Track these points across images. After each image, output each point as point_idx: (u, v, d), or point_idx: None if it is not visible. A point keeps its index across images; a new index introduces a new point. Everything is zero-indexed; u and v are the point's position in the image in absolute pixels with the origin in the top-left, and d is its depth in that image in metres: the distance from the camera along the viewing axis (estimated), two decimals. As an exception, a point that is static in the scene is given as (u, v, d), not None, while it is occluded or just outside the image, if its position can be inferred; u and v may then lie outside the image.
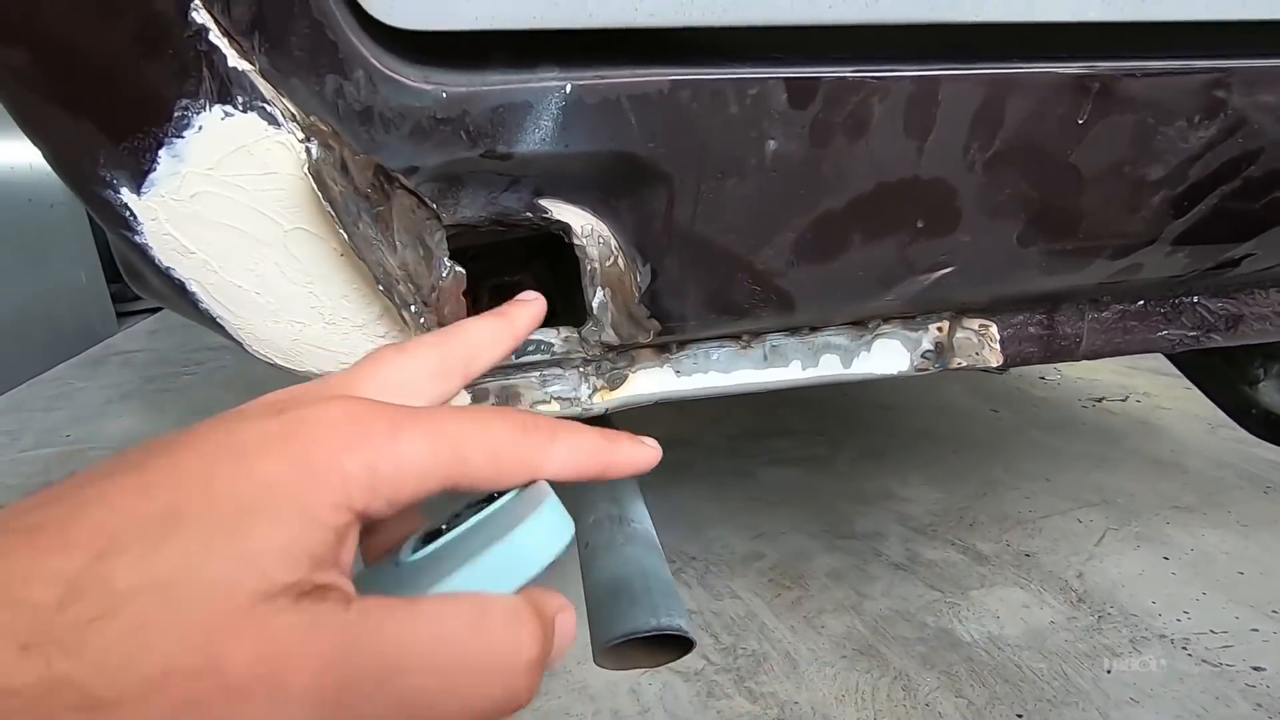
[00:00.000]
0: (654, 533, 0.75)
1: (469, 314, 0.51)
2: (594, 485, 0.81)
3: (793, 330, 0.60)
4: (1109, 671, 1.34)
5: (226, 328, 0.45)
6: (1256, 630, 1.42)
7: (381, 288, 0.42)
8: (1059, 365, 3.03)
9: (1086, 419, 2.50)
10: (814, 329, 0.61)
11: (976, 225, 0.52)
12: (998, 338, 0.64)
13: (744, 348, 0.60)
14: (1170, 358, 1.76)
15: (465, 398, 0.55)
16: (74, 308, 3.67)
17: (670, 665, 1.39)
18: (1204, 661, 1.35)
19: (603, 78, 0.43)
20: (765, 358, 0.61)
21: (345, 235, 0.40)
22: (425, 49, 0.41)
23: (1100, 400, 2.65)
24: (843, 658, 1.39)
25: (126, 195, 0.40)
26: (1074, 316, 0.65)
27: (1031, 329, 0.65)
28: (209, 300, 0.44)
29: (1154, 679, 1.32)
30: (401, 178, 0.41)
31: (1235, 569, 1.63)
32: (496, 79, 0.42)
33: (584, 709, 1.29)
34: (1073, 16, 0.46)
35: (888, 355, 0.63)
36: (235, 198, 0.41)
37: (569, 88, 0.42)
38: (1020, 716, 1.25)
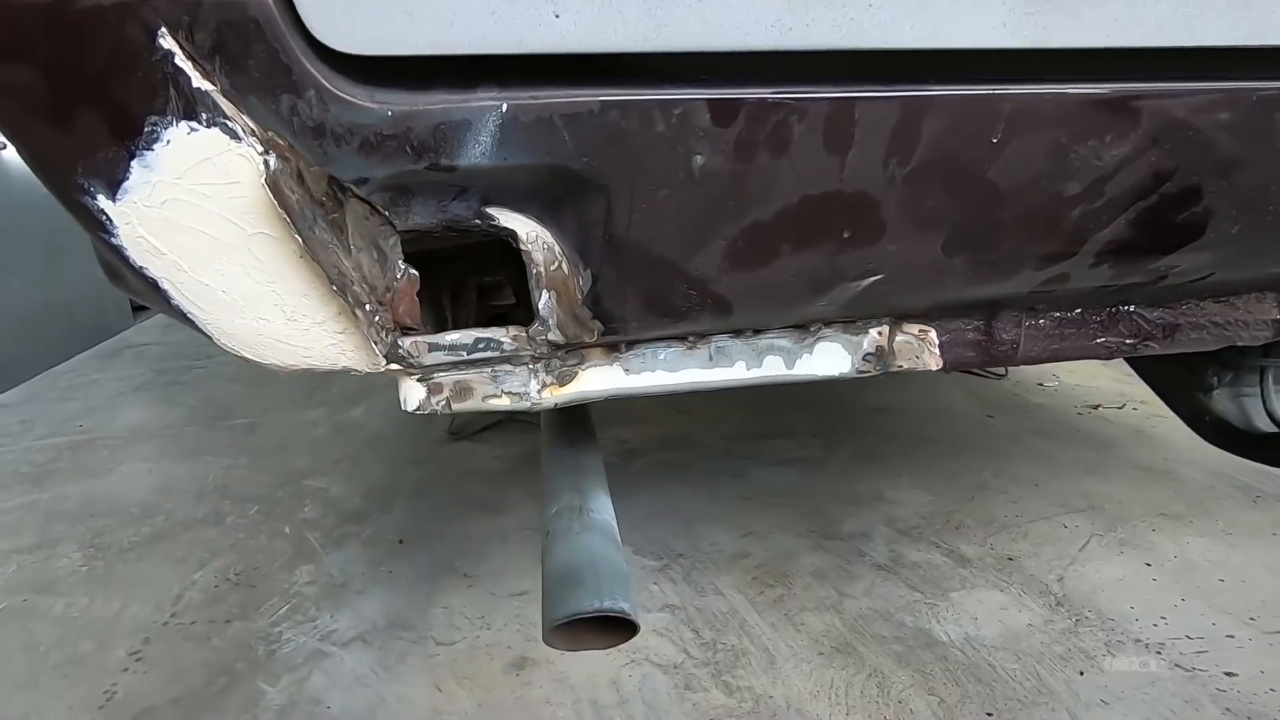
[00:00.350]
0: (613, 523, 0.78)
1: (422, 313, 0.55)
2: (561, 477, 0.85)
3: (736, 332, 0.64)
4: (1081, 674, 1.36)
5: (197, 322, 0.49)
6: (1232, 637, 1.44)
7: (335, 288, 0.46)
8: (1057, 372, 3.03)
9: (1081, 425, 2.51)
10: (757, 331, 0.64)
11: (901, 236, 0.55)
12: (937, 342, 0.67)
13: (690, 348, 0.64)
14: (1130, 363, 1.77)
15: (421, 391, 0.58)
16: (91, 302, 3.76)
17: (650, 658, 1.42)
18: (1177, 666, 1.36)
19: (536, 98, 0.46)
20: (711, 358, 0.64)
21: (300, 239, 0.44)
22: (372, 71, 0.45)
23: (1096, 407, 2.66)
24: (820, 654, 1.41)
25: (103, 201, 0.44)
26: (1011, 323, 0.68)
27: (970, 334, 0.68)
28: (179, 297, 0.48)
29: (1125, 682, 1.33)
30: (353, 187, 0.45)
31: (1217, 576, 1.64)
32: (438, 99, 0.46)
33: (564, 698, 1.32)
34: (980, 43, 0.49)
35: (829, 357, 0.66)
36: (202, 204, 0.45)
37: (505, 107, 0.46)
38: (990, 715, 1.27)
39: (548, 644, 0.64)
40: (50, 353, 3.46)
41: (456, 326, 0.74)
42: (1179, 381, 1.29)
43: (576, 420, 0.99)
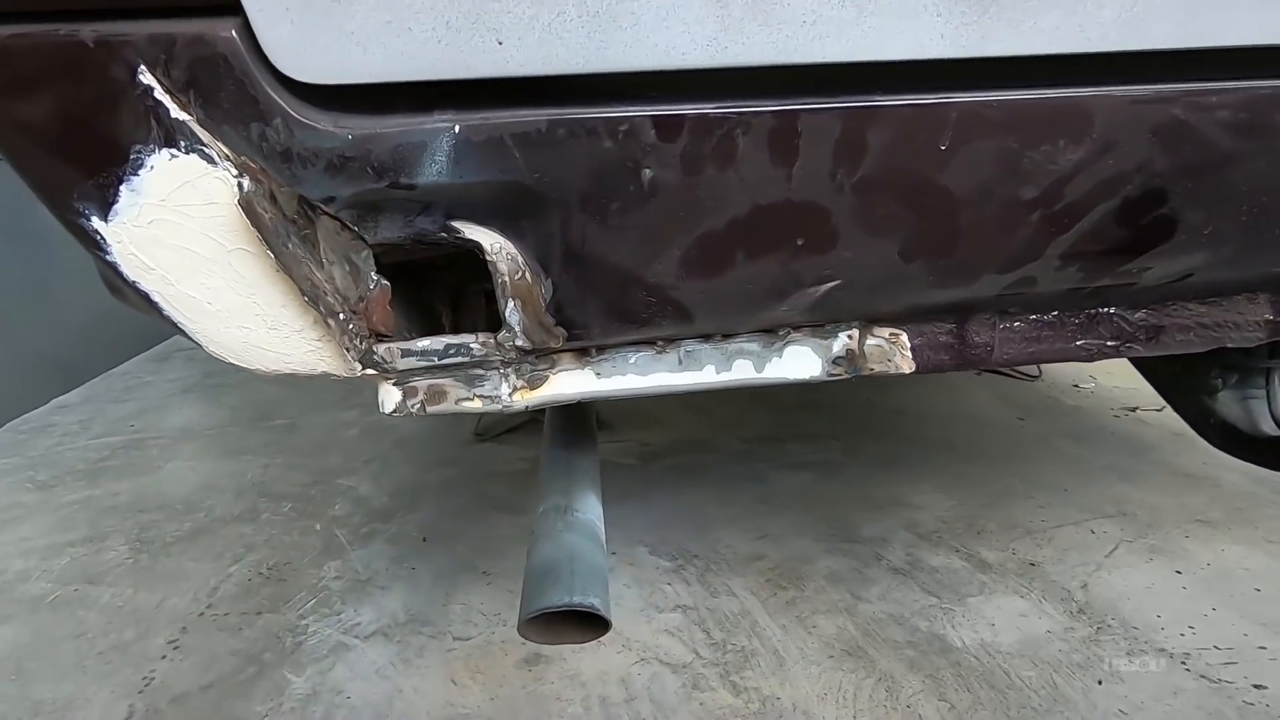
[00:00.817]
0: (597, 523, 0.81)
1: (405, 319, 0.58)
2: (553, 480, 0.88)
3: (704, 337, 0.65)
4: (1100, 683, 1.32)
5: (187, 332, 0.54)
6: (1264, 648, 1.38)
7: (308, 299, 0.49)
8: (1094, 373, 2.94)
9: (1117, 429, 2.43)
10: (726, 336, 0.65)
11: (855, 242, 0.56)
12: (909, 345, 0.68)
13: (659, 353, 0.65)
14: (1133, 364, 1.70)
15: (397, 394, 0.62)
16: (146, 308, 3.94)
17: (660, 657, 1.44)
18: (1203, 677, 1.32)
19: (487, 119, 0.49)
20: (680, 362, 0.66)
21: (274, 254, 0.47)
22: (333, 98, 0.49)
23: (1134, 410, 2.57)
24: (830, 657, 1.41)
25: (97, 222, 0.49)
26: (984, 326, 0.68)
27: (942, 337, 0.68)
28: (169, 309, 0.52)
29: (1146, 692, 1.30)
30: (322, 205, 0.49)
31: (1253, 585, 1.57)
32: (395, 123, 0.49)
33: (574, 694, 1.35)
34: (917, 55, 0.49)
35: (799, 361, 0.67)
36: (184, 224, 0.49)
37: (458, 128, 0.49)
38: (1000, 723, 1.25)
39: (522, 635, 0.67)
40: (110, 355, 3.64)
41: (459, 331, 0.77)
42: (1183, 383, 1.25)
43: (577, 423, 1.02)
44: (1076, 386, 2.84)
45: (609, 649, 1.46)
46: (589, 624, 0.69)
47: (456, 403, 0.62)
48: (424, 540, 1.92)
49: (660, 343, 0.65)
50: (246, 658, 1.51)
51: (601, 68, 0.47)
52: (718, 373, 0.67)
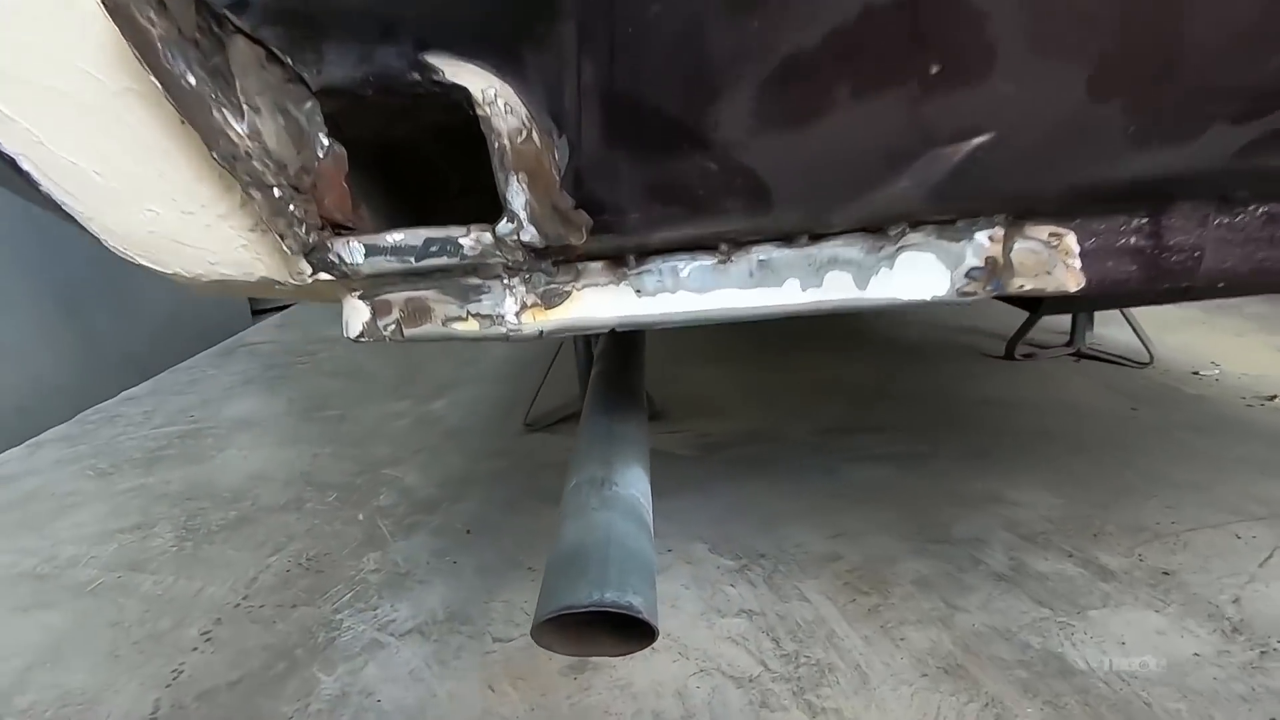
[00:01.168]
0: (642, 498, 0.63)
1: (360, 211, 0.43)
2: (590, 448, 0.71)
3: (785, 238, 0.47)
4: (1274, 721, 1.07)
5: (77, 218, 0.40)
6: None
7: (218, 158, 0.34)
8: (1217, 359, 2.59)
9: (1253, 419, 2.11)
10: (815, 237, 0.47)
11: (1021, 67, 0.37)
12: (1076, 251, 0.47)
13: (723, 261, 0.47)
14: None
15: (365, 311, 0.46)
16: (215, 305, 4.04)
17: (723, 668, 1.26)
18: None
19: None
20: (751, 274, 0.48)
21: (164, 89, 0.32)
22: None
23: (1272, 398, 2.23)
24: (923, 676, 1.20)
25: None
26: (1191, 220, 0.46)
27: (1128, 239, 0.47)
28: (46, 181, 0.38)
29: (1336, 735, 1.04)
30: (231, 15, 0.34)
31: None
32: None
33: (624, 708, 1.19)
34: None
35: (918, 274, 0.48)
36: (47, 52, 0.35)
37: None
38: (1147, 766, 1.02)
39: (537, 642, 0.50)
40: (180, 351, 3.74)
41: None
42: None
43: (622, 384, 0.84)
44: (1197, 374, 2.50)
45: (663, 656, 1.29)
46: (628, 630, 0.51)
47: (445, 323, 0.46)
48: (468, 532, 1.81)
49: (724, 246, 0.47)
50: (277, 653, 1.43)
51: None
52: (804, 290, 0.49)
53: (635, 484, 0.65)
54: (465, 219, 0.72)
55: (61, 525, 2.07)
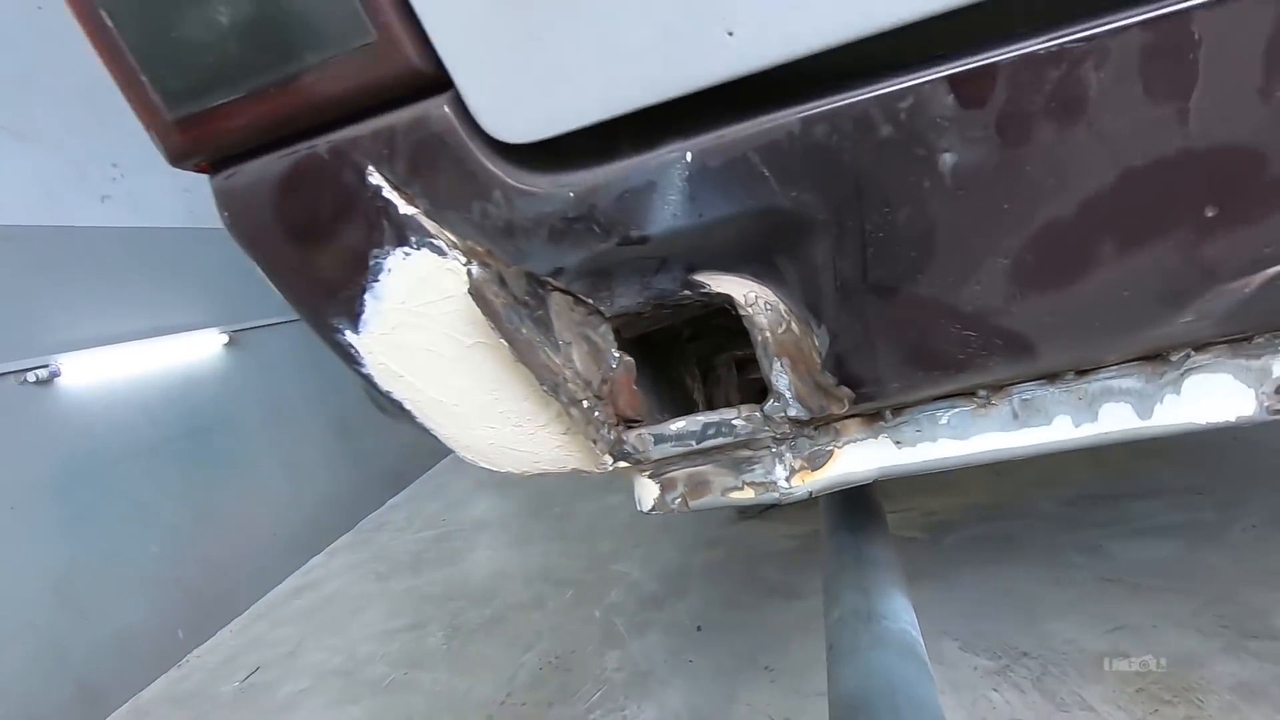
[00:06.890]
0: (914, 633, 0.62)
1: (653, 402, 0.50)
2: (842, 573, 0.72)
3: (1048, 378, 0.46)
4: None
5: (440, 438, 0.51)
6: None
7: (546, 387, 0.43)
8: None
9: None
10: (1081, 373, 0.45)
11: None
12: None
13: (982, 406, 0.47)
14: None
15: (654, 489, 0.53)
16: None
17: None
18: None
19: (723, 137, 0.39)
20: (1015, 416, 0.47)
21: (507, 341, 0.42)
22: (548, 157, 0.43)
23: None
24: (1276, 815, 0.98)
25: (350, 336, 0.49)
26: None
27: None
28: (421, 415, 0.50)
29: None
30: (550, 280, 0.43)
31: None
32: (616, 168, 0.41)
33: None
34: None
35: (1213, 395, 0.44)
36: (424, 324, 0.47)
37: (689, 155, 0.40)
38: None
39: (840, 800, 0.50)
40: (427, 459, 4.28)
41: (713, 409, 0.67)
42: None
43: (857, 499, 0.84)
44: None
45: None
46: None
47: (723, 494, 0.51)
48: (698, 629, 1.83)
49: (983, 392, 0.48)
50: (542, 753, 1.51)
51: (866, 29, 0.35)
52: (1076, 426, 0.47)
53: (902, 615, 0.64)
54: (692, 359, 0.78)
55: (356, 624, 2.40)
